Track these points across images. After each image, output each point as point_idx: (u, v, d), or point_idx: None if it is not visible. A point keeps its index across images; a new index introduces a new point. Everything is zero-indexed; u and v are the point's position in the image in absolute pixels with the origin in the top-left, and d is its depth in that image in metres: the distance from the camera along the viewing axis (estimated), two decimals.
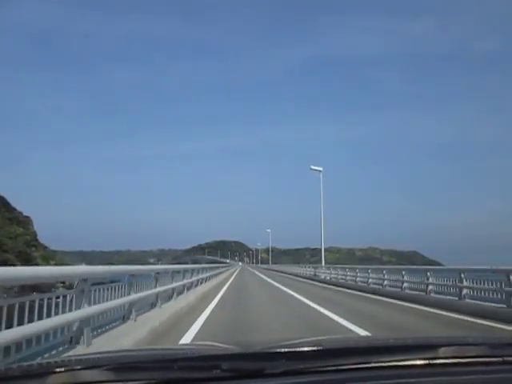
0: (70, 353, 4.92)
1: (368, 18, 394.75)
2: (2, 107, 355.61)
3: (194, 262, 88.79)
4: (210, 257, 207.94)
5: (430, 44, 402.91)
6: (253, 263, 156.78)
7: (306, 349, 1.39)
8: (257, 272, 53.46)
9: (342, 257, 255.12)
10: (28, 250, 49.70)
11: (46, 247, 56.41)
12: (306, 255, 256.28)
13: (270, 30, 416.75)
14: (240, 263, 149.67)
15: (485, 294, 11.34)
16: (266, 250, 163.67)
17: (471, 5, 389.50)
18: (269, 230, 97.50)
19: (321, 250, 34.95)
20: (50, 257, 52.43)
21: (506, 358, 1.32)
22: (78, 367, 1.19)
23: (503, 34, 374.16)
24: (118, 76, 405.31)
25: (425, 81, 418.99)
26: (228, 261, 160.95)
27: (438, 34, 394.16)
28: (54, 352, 4.85)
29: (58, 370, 1.16)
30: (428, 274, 14.16)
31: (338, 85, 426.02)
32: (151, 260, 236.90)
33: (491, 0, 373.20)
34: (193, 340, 6.78)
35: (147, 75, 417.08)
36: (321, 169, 34.73)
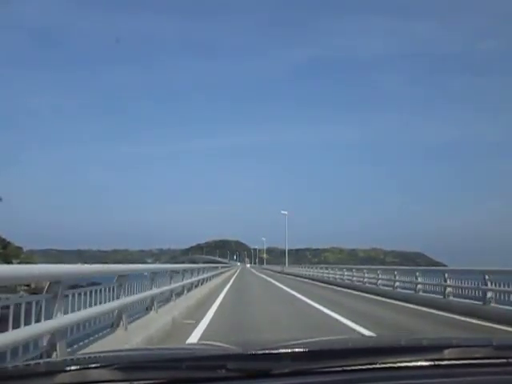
0: None
1: (368, 19, 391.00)
2: (2, 106, 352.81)
3: (192, 262, 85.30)
4: (208, 256, 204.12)
5: (432, 45, 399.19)
6: (254, 263, 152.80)
7: (312, 349, 1.39)
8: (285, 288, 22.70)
9: (344, 257, 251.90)
10: None
11: (8, 243, 51.52)
12: (308, 255, 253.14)
13: (270, 30, 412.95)
14: (246, 264, 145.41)
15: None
16: (267, 250, 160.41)
17: (473, 5, 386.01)
18: (285, 212, 70.83)
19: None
20: (13, 254, 47.60)
21: (511, 360, 1.31)
22: (87, 366, 1.19)
23: (505, 35, 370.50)
24: (118, 75, 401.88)
25: (425, 81, 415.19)
26: (226, 261, 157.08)
27: (440, 34, 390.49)
28: None
29: (66, 368, 1.15)
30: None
31: (339, 85, 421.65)
32: (149, 260, 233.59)
33: (493, 0, 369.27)
34: None
35: (148, 75, 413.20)
36: None
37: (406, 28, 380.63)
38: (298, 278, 35.85)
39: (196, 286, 16.91)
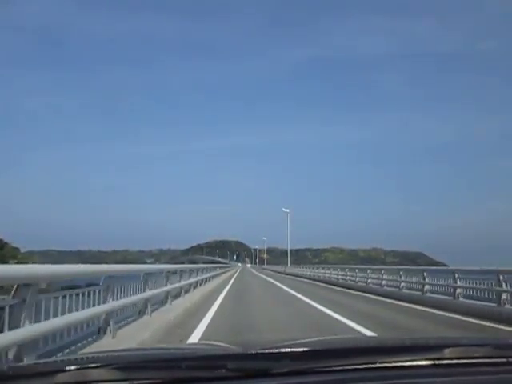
0: None
1: (369, 19, 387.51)
2: (2, 106, 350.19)
3: (192, 262, 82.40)
4: (207, 257, 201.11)
5: (431, 44, 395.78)
6: (255, 264, 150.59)
7: (311, 349, 1.38)
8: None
9: (344, 258, 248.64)
10: None
11: (5, 243, 49.60)
12: (308, 256, 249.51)
13: (270, 30, 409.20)
14: (247, 264, 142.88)
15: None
16: (267, 251, 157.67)
17: (472, 5, 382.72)
18: (287, 210, 65.58)
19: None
20: (10, 255, 45.70)
21: (510, 359, 1.31)
22: (87, 366, 1.19)
23: (504, 34, 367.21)
24: (118, 75, 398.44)
25: (425, 81, 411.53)
26: (226, 261, 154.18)
27: (440, 34, 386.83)
28: None
29: (66, 368, 1.15)
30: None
31: (339, 85, 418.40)
32: (148, 260, 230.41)
33: (492, 0, 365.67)
34: None
35: (147, 75, 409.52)
36: None
37: (406, 28, 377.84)
38: (307, 280, 31.21)
39: (187, 291, 14.08)
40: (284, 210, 66.56)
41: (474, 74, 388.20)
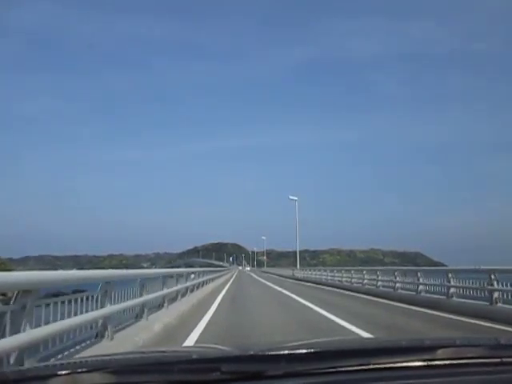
0: None
1: (366, 20, 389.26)
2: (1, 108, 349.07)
3: (188, 266, 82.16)
4: (204, 260, 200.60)
5: (429, 45, 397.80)
6: (253, 266, 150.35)
7: (305, 351, 1.38)
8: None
9: (343, 259, 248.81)
10: None
11: None
12: (306, 257, 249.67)
13: (268, 31, 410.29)
14: (245, 267, 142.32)
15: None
16: (265, 253, 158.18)
17: (471, 5, 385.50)
18: (295, 198, 55.17)
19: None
20: None
21: (504, 359, 1.31)
22: (80, 370, 1.18)
23: (502, 35, 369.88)
24: (117, 77, 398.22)
25: (423, 82, 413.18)
26: (223, 263, 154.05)
27: (437, 35, 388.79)
28: None
29: (58, 372, 1.14)
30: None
31: (337, 86, 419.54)
32: (145, 264, 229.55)
33: (491, 1, 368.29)
34: None
35: (145, 77, 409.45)
36: None
37: (403, 28, 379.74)
38: (346, 292, 20.09)
39: (140, 317, 8.39)
40: (291, 197, 57.50)
41: (473, 74, 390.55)
